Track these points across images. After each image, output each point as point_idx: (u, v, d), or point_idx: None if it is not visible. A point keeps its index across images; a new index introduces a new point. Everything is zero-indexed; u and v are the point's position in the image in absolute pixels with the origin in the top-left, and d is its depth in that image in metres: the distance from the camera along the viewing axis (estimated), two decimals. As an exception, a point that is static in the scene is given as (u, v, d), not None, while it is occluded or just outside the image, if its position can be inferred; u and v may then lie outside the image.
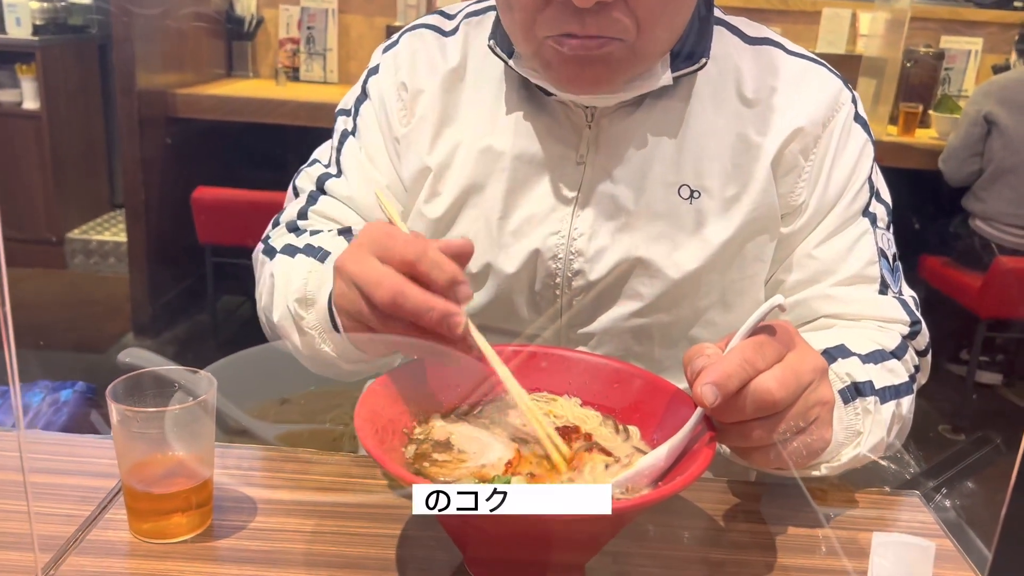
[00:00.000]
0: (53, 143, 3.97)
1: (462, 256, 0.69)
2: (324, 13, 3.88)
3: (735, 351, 0.66)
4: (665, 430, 0.73)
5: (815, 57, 0.96)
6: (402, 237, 0.69)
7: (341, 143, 1.01)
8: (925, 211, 3.25)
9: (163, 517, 0.73)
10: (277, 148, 4.11)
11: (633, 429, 0.75)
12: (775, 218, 0.92)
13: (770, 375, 0.65)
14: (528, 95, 0.93)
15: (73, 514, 0.75)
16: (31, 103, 3.95)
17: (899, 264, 0.96)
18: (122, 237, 3.98)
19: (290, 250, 0.93)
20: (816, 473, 0.76)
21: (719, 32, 0.94)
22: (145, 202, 3.28)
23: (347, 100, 1.04)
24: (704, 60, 0.88)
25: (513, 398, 0.71)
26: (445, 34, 0.99)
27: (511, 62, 0.90)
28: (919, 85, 3.64)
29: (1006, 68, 3.64)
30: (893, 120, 3.51)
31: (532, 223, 0.92)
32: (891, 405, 0.82)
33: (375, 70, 1.01)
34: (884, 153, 3.32)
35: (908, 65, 3.58)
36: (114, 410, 0.71)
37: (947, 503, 0.78)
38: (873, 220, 0.94)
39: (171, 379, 0.74)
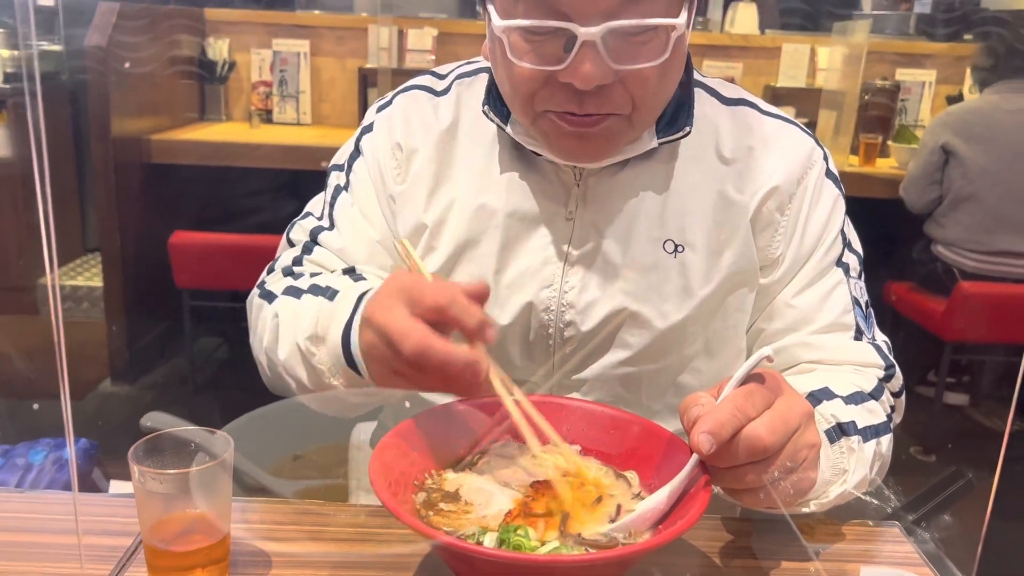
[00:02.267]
0: (25, 189, 3.95)
1: (483, 297, 0.75)
2: (296, 56, 3.93)
3: (727, 400, 0.71)
4: (662, 474, 0.77)
5: (788, 117, 1.03)
6: (430, 286, 0.74)
7: (334, 197, 1.05)
8: (888, 238, 3.35)
9: (183, 573, 0.76)
10: (253, 191, 4.13)
11: (632, 475, 0.79)
12: (754, 271, 0.98)
13: (760, 423, 0.70)
14: (519, 155, 0.98)
15: (94, 573, 0.78)
16: (3, 151, 3.95)
17: (871, 311, 1.02)
18: (96, 282, 3.96)
19: (294, 291, 0.96)
20: (805, 510, 0.81)
21: (698, 94, 0.99)
22: (121, 247, 3.28)
23: (340, 156, 1.08)
24: (688, 129, 0.94)
25: (528, 445, 0.77)
26: (437, 94, 1.03)
27: (507, 129, 0.95)
28: (877, 116, 3.77)
29: (959, 98, 3.78)
30: (854, 151, 3.62)
31: (525, 277, 0.97)
32: (872, 444, 0.87)
33: (369, 128, 1.05)
34: (847, 183, 3.39)
35: (866, 97, 3.70)
36: (136, 471, 0.74)
37: (926, 535, 0.83)
38: (847, 270, 1.00)
39: (190, 440, 0.77)
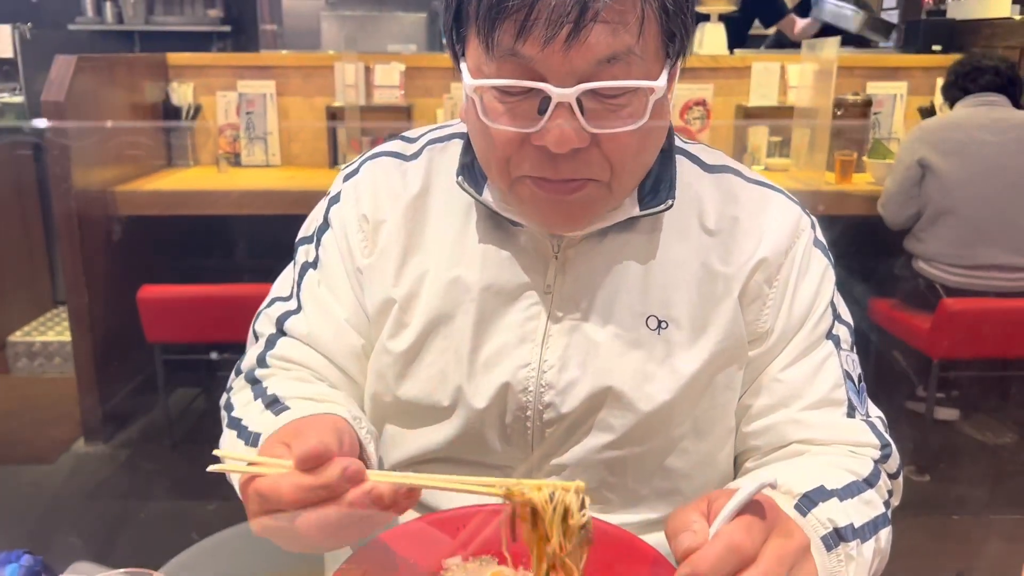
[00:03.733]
0: (-10, 245, 3.87)
1: (322, 457, 0.68)
2: (263, 97, 3.87)
3: (722, 537, 0.64)
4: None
5: (772, 184, 0.99)
6: (270, 492, 0.68)
7: (301, 276, 1.00)
8: (868, 255, 3.32)
9: None
10: (223, 239, 4.07)
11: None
12: (743, 347, 0.93)
13: (756, 570, 0.64)
14: (495, 224, 0.94)
15: None
16: (-35, 207, 3.86)
17: (864, 385, 0.97)
18: (66, 336, 3.87)
19: (234, 423, 0.91)
20: None
21: (679, 161, 0.95)
22: (88, 303, 3.20)
23: (308, 227, 1.03)
24: (670, 202, 0.90)
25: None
26: (406, 159, 0.99)
27: (482, 198, 0.91)
28: (851, 131, 3.75)
29: (931, 109, 3.77)
30: (830, 167, 3.60)
31: (502, 355, 0.92)
32: (871, 542, 0.82)
33: (336, 199, 1.01)
34: (824, 201, 3.42)
35: (839, 113, 3.68)
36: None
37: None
38: (837, 342, 0.95)
39: (123, 588, 0.70)
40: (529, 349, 0.91)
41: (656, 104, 0.79)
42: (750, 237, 0.94)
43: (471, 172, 0.93)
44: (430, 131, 1.03)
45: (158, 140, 3.82)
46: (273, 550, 0.87)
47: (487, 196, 0.91)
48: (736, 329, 0.92)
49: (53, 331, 4.09)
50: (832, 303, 0.96)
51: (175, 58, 3.86)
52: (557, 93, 0.75)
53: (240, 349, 1.05)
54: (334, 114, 3.83)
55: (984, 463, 3.27)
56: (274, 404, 0.90)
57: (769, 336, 0.94)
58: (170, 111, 3.83)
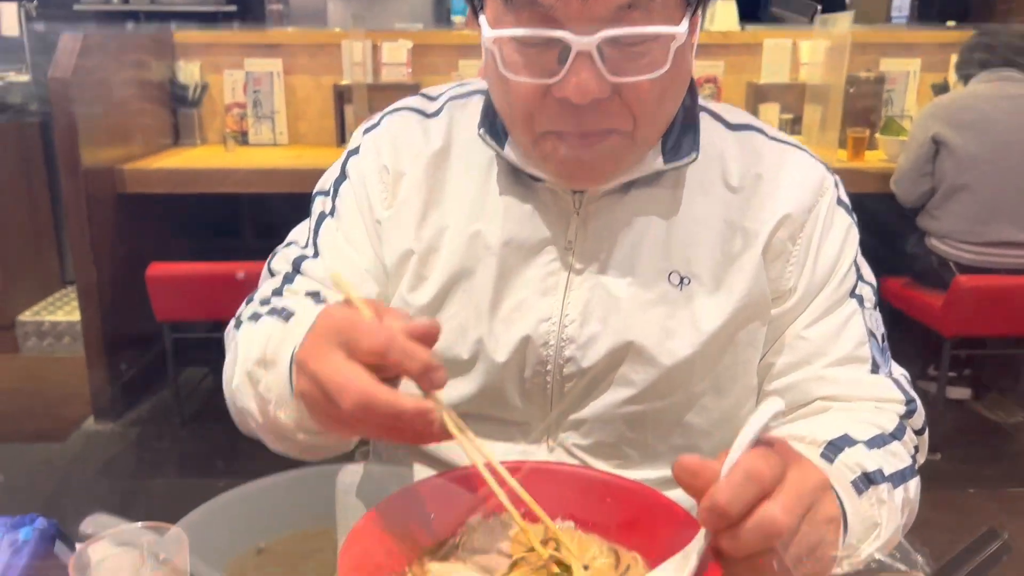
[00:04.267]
0: (-1, 224, 3.87)
1: (430, 337, 0.67)
2: (269, 76, 3.85)
3: (739, 467, 0.63)
4: (664, 550, 0.69)
5: (796, 142, 0.98)
6: (366, 326, 0.66)
7: (319, 224, 0.99)
8: (881, 232, 3.29)
9: None
10: (231, 217, 4.06)
11: (633, 556, 0.72)
12: (766, 304, 0.92)
13: (775, 502, 0.62)
14: (516, 180, 0.93)
15: None
16: (-28, 186, 3.85)
17: (887, 344, 0.96)
18: (76, 316, 3.87)
19: (255, 316, 0.90)
20: (838, 570, 0.73)
21: (703, 119, 0.94)
22: (97, 282, 3.20)
23: (325, 181, 1.02)
24: (695, 155, 0.89)
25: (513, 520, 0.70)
26: (427, 116, 0.99)
27: (504, 152, 0.90)
28: (863, 109, 3.71)
29: (945, 87, 3.73)
30: (842, 145, 3.56)
31: (522, 310, 0.91)
32: (900, 491, 0.80)
33: (355, 151, 1.00)
34: (836, 179, 3.38)
35: (851, 90, 3.64)
36: (79, 584, 0.66)
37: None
38: (860, 301, 0.94)
39: (139, 542, 0.69)
40: (550, 303, 0.91)
41: (678, 51, 0.78)
42: (773, 194, 0.93)
43: (493, 126, 0.92)
44: (451, 88, 1.02)
45: (165, 118, 3.81)
46: (288, 507, 0.86)
47: (509, 152, 0.90)
48: (759, 286, 0.91)
49: (62, 311, 4.09)
50: (855, 262, 0.95)
51: (182, 36, 3.84)
52: (577, 42, 0.74)
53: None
54: (341, 92, 3.80)
55: (996, 442, 3.25)
56: (315, 295, 0.92)
57: (792, 294, 0.93)
58: (177, 89, 3.81)
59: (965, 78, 3.21)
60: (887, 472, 0.79)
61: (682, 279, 0.91)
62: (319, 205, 1.01)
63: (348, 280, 0.78)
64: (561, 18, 0.75)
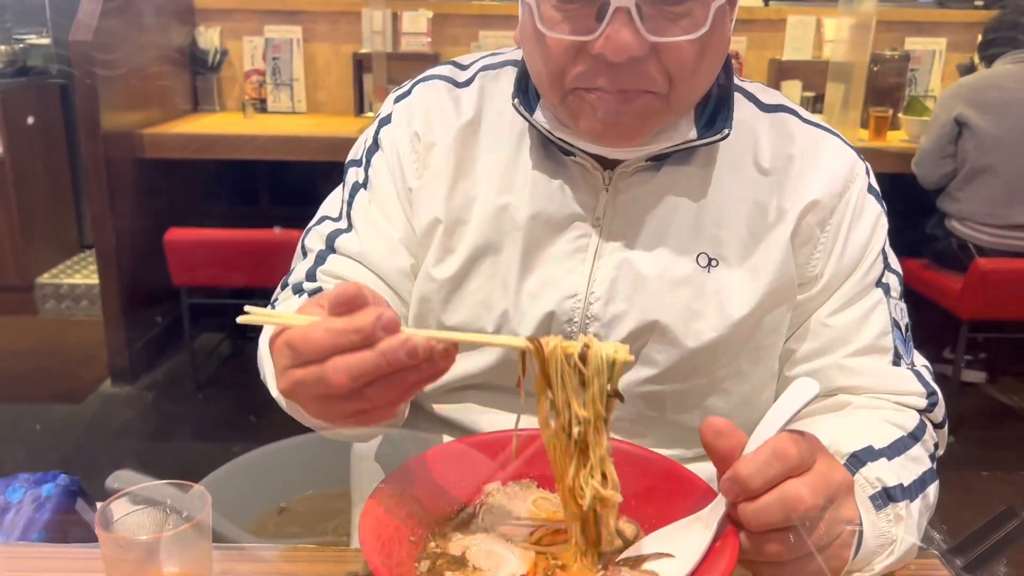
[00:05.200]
0: (18, 187, 3.88)
1: (356, 299, 0.62)
2: (289, 43, 3.83)
3: (767, 444, 0.64)
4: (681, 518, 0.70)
5: (828, 127, 0.97)
6: (298, 338, 0.62)
7: (352, 196, 0.99)
8: (901, 213, 3.26)
9: (162, 641, 0.69)
10: (249, 183, 4.07)
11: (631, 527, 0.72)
12: (793, 288, 0.92)
13: (802, 480, 0.63)
14: (546, 155, 0.92)
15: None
16: (-7, 148, 3.87)
17: (911, 335, 0.96)
18: (93, 279, 3.90)
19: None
20: None
21: (737, 98, 0.93)
22: (116, 245, 3.22)
23: (357, 150, 1.02)
24: (727, 131, 0.88)
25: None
26: (458, 85, 0.98)
27: (534, 117, 0.89)
28: (886, 88, 3.67)
29: (971, 67, 3.67)
30: (864, 124, 3.52)
31: (548, 286, 0.90)
32: (919, 501, 0.79)
33: (387, 120, 0.99)
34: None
35: (875, 69, 3.60)
36: (104, 537, 0.67)
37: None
38: (887, 290, 0.94)
39: (163, 498, 0.70)
40: (576, 280, 0.90)
41: (718, 13, 0.77)
42: (804, 177, 0.92)
43: (526, 95, 0.91)
44: (483, 58, 1.01)
45: (184, 84, 3.81)
46: (307, 468, 0.87)
47: (539, 117, 0.89)
48: (787, 270, 0.90)
49: (80, 274, 4.12)
50: (884, 251, 0.94)
51: (202, 1, 3.83)
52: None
53: (266, 295, 1.03)
54: (360, 61, 3.79)
55: (1010, 426, 3.24)
56: (314, 294, 0.89)
57: (818, 280, 0.92)
58: (196, 55, 3.80)
59: (989, 58, 3.17)
60: (907, 484, 0.79)
61: (710, 260, 0.90)
62: (352, 176, 1.00)
63: (257, 312, 0.69)
64: None
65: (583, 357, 0.64)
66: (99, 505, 0.70)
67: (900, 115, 3.58)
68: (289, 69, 3.85)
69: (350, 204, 0.99)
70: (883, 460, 0.79)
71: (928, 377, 0.93)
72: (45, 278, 4.06)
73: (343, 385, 0.60)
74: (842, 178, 0.92)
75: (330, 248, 0.97)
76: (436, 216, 0.94)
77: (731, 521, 0.65)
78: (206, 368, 3.50)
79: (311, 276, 0.96)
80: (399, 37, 3.81)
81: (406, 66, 3.76)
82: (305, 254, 1.00)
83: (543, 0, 0.78)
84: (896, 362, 0.91)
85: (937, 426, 0.91)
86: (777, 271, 0.90)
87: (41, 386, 3.35)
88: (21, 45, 4.05)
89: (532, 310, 0.91)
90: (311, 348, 0.61)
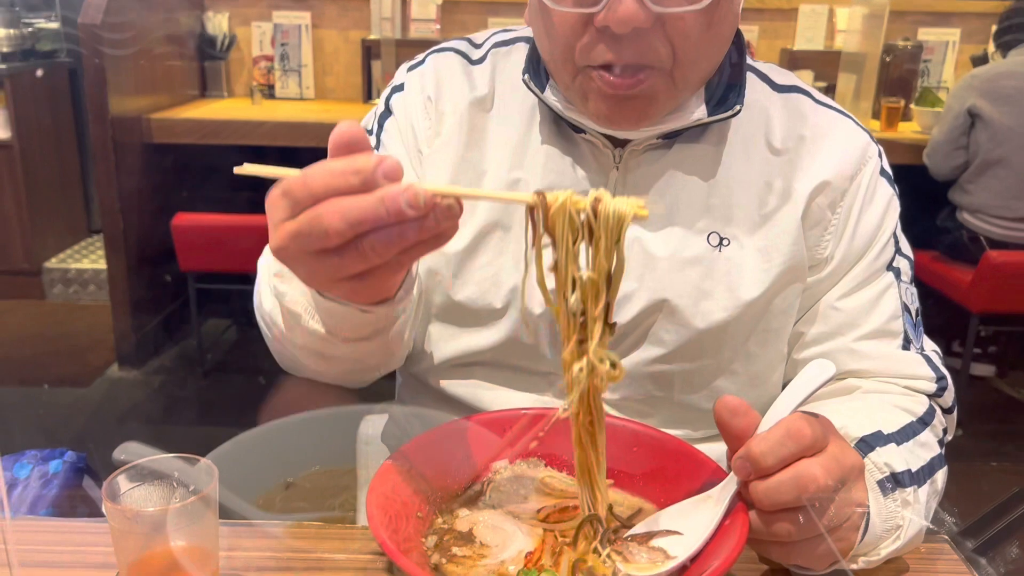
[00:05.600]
0: (26, 171, 3.89)
1: (357, 143, 0.59)
2: (297, 29, 3.82)
3: (781, 424, 0.63)
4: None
5: (842, 109, 0.96)
6: (294, 181, 0.59)
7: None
8: (912, 205, 3.23)
9: (167, 614, 0.69)
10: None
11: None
12: (803, 270, 0.91)
13: (815, 461, 0.62)
14: (557, 131, 0.92)
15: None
16: (2, 132, 3.87)
17: (920, 319, 0.95)
18: (101, 264, 3.91)
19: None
20: (853, 566, 0.73)
21: (749, 78, 0.93)
22: (124, 230, 3.22)
23: (367, 120, 1.01)
24: (738, 107, 0.87)
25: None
26: (472, 62, 0.98)
27: (544, 95, 0.89)
28: (899, 79, 3.64)
29: (984, 58, 3.64)
30: (875, 115, 3.50)
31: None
32: (927, 486, 0.79)
33: (400, 87, 0.99)
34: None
35: (887, 59, 3.57)
36: (111, 509, 0.67)
37: (990, 569, 0.75)
38: (897, 274, 0.93)
39: (170, 472, 0.70)
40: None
41: None
42: (815, 157, 0.91)
43: (536, 72, 0.91)
44: (495, 34, 1.01)
45: (192, 69, 3.80)
46: (313, 445, 0.86)
47: (549, 95, 0.88)
48: (798, 250, 0.90)
49: (88, 259, 4.12)
50: (895, 234, 0.94)
51: (211, -14, 3.82)
52: None
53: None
54: (369, 48, 3.77)
55: (1019, 420, 3.22)
56: None
57: (828, 263, 0.92)
58: (205, 40, 3.80)
59: (1004, 46, 3.14)
60: (915, 470, 0.78)
61: (721, 240, 0.89)
62: None
63: (251, 166, 0.63)
64: None
65: (594, 211, 0.60)
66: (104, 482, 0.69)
67: (912, 106, 3.55)
68: (297, 55, 3.84)
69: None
70: (892, 445, 0.79)
71: (937, 362, 0.92)
72: (53, 263, 4.06)
73: (338, 231, 0.56)
74: (854, 159, 0.91)
75: None
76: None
77: (741, 500, 0.65)
78: (213, 353, 3.50)
79: None
80: (408, 23, 3.80)
81: (415, 53, 3.73)
82: None
83: None
84: (906, 346, 0.91)
85: (946, 411, 0.91)
86: (788, 252, 0.89)
87: (48, 370, 3.36)
88: (30, 29, 4.04)
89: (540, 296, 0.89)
90: (307, 191, 0.57)
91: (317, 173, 0.57)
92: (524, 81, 0.90)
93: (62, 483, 1.06)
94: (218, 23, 3.82)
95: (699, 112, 0.86)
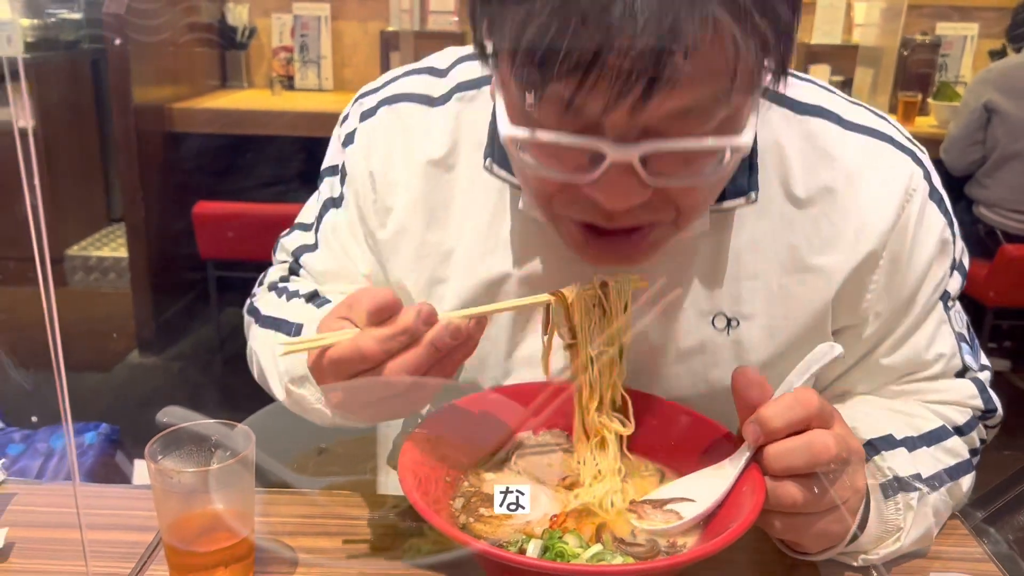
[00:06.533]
0: (49, 160, 3.94)
1: (392, 307, 0.65)
2: (317, 20, 3.85)
3: (789, 393, 0.65)
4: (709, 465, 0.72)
5: (877, 128, 0.80)
6: (347, 356, 0.65)
7: (323, 212, 0.92)
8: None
9: (205, 572, 0.72)
10: (276, 159, 4.09)
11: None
12: (827, 334, 0.81)
13: (829, 432, 0.64)
14: None
15: (114, 571, 0.74)
16: (26, 120, 3.92)
17: (974, 333, 0.88)
18: (122, 252, 3.95)
19: (272, 323, 0.89)
20: (853, 563, 0.74)
21: (762, 106, 0.71)
22: (145, 218, 3.26)
23: (331, 156, 0.93)
24: (753, 195, 0.75)
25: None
26: (432, 103, 0.85)
27: (520, 203, 0.78)
28: (916, 73, 3.64)
29: (1002, 53, 3.63)
30: (892, 109, 3.50)
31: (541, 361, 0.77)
32: (941, 492, 0.77)
33: (351, 139, 0.88)
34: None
35: (905, 53, 3.57)
36: (153, 469, 0.70)
37: (998, 536, 0.77)
38: (946, 301, 0.83)
39: (209, 435, 0.73)
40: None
41: (735, 151, 0.63)
42: (848, 218, 0.77)
43: (504, 158, 0.77)
44: (461, 64, 0.87)
45: (213, 60, 3.84)
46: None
47: (523, 196, 0.77)
48: (822, 326, 0.80)
49: (108, 247, 4.17)
50: (954, 259, 0.83)
51: (232, -23, 3.85)
52: (614, 152, 0.59)
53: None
54: (388, 39, 3.80)
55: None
56: (314, 298, 0.88)
57: (871, 320, 0.80)
58: (225, 31, 3.83)
59: (1016, 39, 3.13)
60: (927, 474, 0.75)
61: (729, 321, 0.79)
62: (326, 187, 0.92)
63: (293, 341, 0.72)
64: (597, 120, 0.59)
65: (604, 292, 0.68)
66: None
67: (930, 100, 3.55)
68: (317, 46, 3.88)
69: (320, 220, 0.92)
70: (902, 450, 0.76)
71: (988, 387, 0.86)
72: (75, 250, 4.11)
73: (405, 384, 0.64)
74: (896, 204, 0.77)
75: (297, 262, 0.94)
76: (405, 285, 0.86)
77: (756, 464, 0.67)
78: (232, 341, 3.54)
79: (285, 280, 0.95)
80: (427, 15, 3.82)
81: (433, 44, 3.75)
82: (281, 256, 0.98)
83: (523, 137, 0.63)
84: (960, 374, 0.85)
85: (990, 427, 0.88)
86: (809, 325, 0.79)
87: (70, 355, 3.37)
88: (53, 19, 4.09)
89: (527, 378, 0.82)
90: (366, 360, 0.64)
91: (370, 343, 0.64)
92: (487, 168, 0.78)
93: (97, 453, 1.09)
94: (239, 14, 3.85)
95: (701, 224, 0.76)
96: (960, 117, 3.11)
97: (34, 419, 1.07)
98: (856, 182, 0.78)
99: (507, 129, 0.63)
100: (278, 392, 0.83)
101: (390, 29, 3.79)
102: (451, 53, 0.89)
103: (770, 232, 0.78)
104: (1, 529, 0.77)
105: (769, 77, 0.61)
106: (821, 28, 3.78)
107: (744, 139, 0.62)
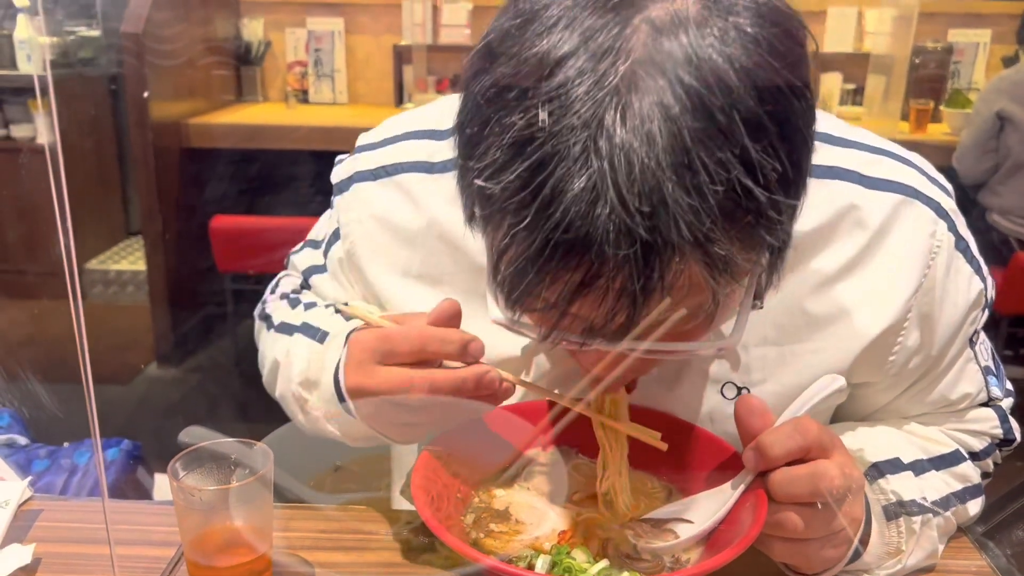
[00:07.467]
0: (68, 176, 3.99)
1: (454, 317, 0.68)
2: (331, 35, 3.90)
3: (790, 421, 0.67)
4: (713, 487, 0.73)
5: (900, 182, 0.76)
6: (397, 333, 0.68)
7: (332, 241, 0.92)
8: (940, 207, 3.23)
9: (225, 587, 0.75)
10: (292, 173, 4.14)
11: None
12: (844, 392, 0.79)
13: (832, 462, 0.65)
14: None
15: (137, 588, 0.77)
16: (44, 137, 3.98)
17: (998, 359, 0.87)
18: (140, 266, 4.00)
19: (287, 328, 0.90)
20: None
21: None
22: (163, 232, 3.31)
23: (339, 172, 0.92)
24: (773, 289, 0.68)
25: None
26: (432, 169, 0.83)
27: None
28: (928, 80, 3.63)
29: (1015, 59, 3.63)
30: (904, 117, 3.50)
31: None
32: (948, 515, 0.77)
33: (345, 198, 0.88)
34: (897, 151, 3.32)
35: (917, 61, 3.57)
36: (175, 487, 0.72)
37: (998, 550, 0.78)
38: (972, 339, 0.81)
39: (229, 454, 0.75)
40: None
41: (727, 301, 0.59)
42: (871, 284, 0.75)
43: None
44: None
45: (228, 75, 3.89)
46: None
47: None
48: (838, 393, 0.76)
49: (126, 260, 4.23)
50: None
51: (247, -7, 3.91)
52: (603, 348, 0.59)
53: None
54: (400, 53, 3.84)
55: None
56: (339, 313, 0.90)
57: (891, 376, 0.79)
58: (240, 47, 3.89)
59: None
60: (933, 498, 0.75)
61: (739, 390, 0.78)
62: (333, 217, 0.92)
63: (361, 306, 0.77)
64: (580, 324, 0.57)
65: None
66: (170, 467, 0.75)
67: (942, 107, 3.55)
68: (331, 60, 3.92)
69: (329, 244, 0.92)
70: (908, 474, 0.76)
71: (1009, 415, 0.87)
72: (93, 264, 4.17)
73: (420, 396, 0.66)
74: (921, 265, 0.75)
75: (307, 282, 0.96)
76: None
77: (759, 487, 0.69)
78: (250, 354, 3.57)
79: (296, 294, 0.97)
80: (439, 29, 3.86)
81: (446, 57, 3.81)
82: (292, 270, 1.01)
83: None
84: (985, 403, 0.85)
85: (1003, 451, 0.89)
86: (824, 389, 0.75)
87: (90, 368, 3.45)
88: (72, 37, 4.15)
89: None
90: (408, 343, 0.66)
91: (418, 331, 0.67)
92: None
93: (119, 469, 1.12)
94: (253, 29, 3.91)
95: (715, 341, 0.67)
96: (972, 126, 3.11)
97: (66, 444, 1.10)
98: (878, 245, 0.75)
99: (498, 315, 0.63)
100: (282, 391, 0.86)
101: (403, 43, 3.83)
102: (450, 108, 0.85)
103: (786, 297, 0.75)
104: (28, 545, 0.80)
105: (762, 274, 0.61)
106: (832, 36, 3.79)
107: (733, 340, 0.63)
